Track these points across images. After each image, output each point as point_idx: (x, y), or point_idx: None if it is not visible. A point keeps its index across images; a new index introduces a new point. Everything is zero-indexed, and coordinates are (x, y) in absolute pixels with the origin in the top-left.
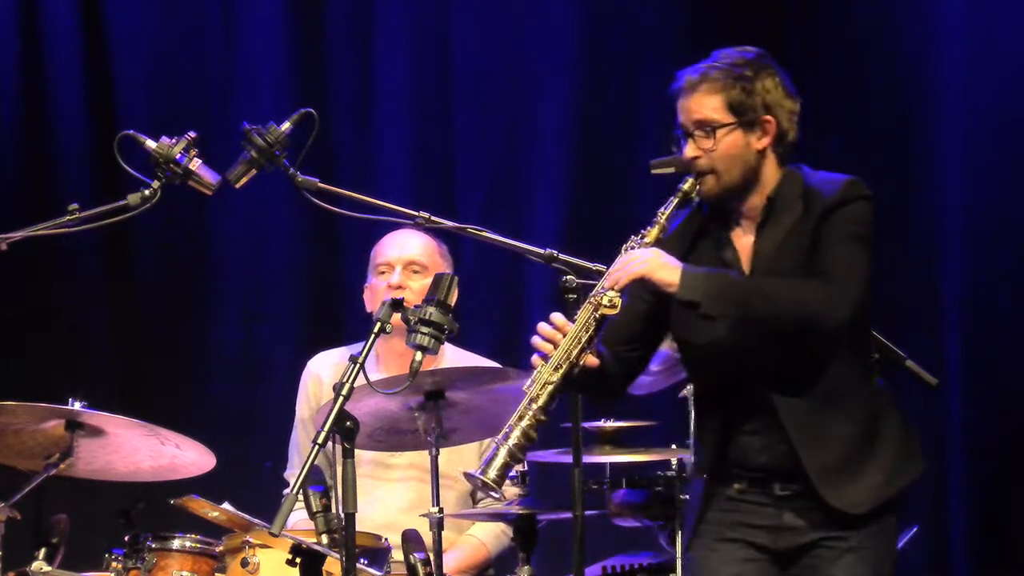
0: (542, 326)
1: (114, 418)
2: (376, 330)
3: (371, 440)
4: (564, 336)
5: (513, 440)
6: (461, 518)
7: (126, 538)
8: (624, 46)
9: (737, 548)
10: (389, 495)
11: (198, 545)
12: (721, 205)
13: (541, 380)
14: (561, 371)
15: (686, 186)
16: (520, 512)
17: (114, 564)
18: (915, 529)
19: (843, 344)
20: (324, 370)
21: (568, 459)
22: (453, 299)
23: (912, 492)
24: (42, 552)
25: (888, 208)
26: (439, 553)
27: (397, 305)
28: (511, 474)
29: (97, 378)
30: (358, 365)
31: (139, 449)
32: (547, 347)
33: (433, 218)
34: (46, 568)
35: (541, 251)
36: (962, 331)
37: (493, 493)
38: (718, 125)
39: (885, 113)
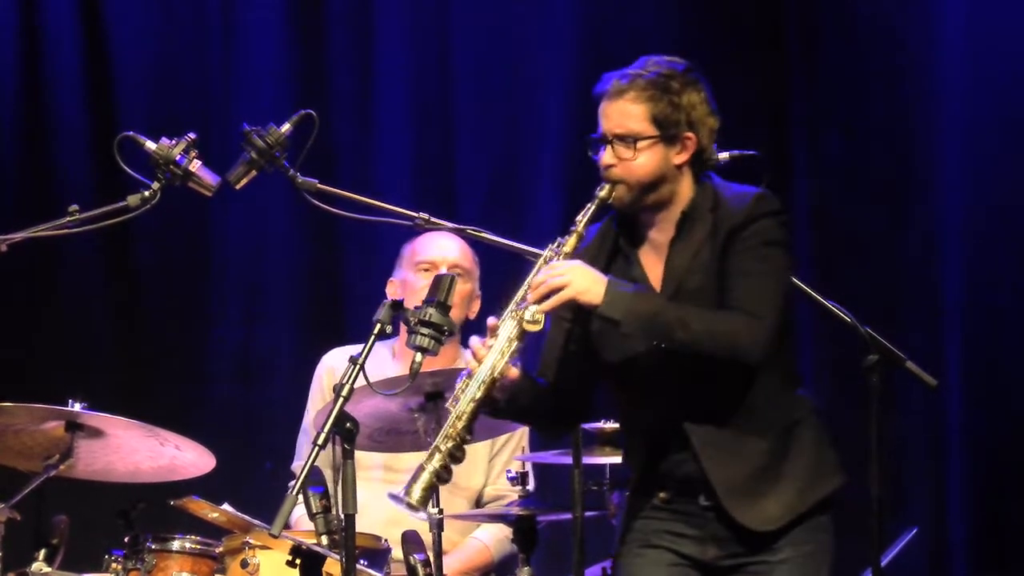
0: (474, 342)
1: (114, 419)
2: (376, 331)
3: (371, 441)
4: (487, 350)
5: (437, 462)
6: (460, 519)
7: (126, 539)
8: (624, 45)
9: (663, 553)
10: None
11: (198, 546)
12: (633, 215)
13: (465, 398)
14: (484, 387)
15: (602, 193)
16: (520, 513)
17: (114, 565)
18: (915, 531)
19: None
20: (339, 364)
21: (568, 460)
22: (460, 301)
23: (907, 498)
24: (42, 553)
25: (888, 208)
26: (439, 554)
27: (397, 306)
28: (510, 475)
29: (97, 379)
30: (358, 366)
31: (139, 450)
32: (474, 364)
33: (432, 219)
34: (46, 569)
35: (540, 252)
36: (962, 332)
37: (419, 514)
38: (640, 137)
39: (885, 112)
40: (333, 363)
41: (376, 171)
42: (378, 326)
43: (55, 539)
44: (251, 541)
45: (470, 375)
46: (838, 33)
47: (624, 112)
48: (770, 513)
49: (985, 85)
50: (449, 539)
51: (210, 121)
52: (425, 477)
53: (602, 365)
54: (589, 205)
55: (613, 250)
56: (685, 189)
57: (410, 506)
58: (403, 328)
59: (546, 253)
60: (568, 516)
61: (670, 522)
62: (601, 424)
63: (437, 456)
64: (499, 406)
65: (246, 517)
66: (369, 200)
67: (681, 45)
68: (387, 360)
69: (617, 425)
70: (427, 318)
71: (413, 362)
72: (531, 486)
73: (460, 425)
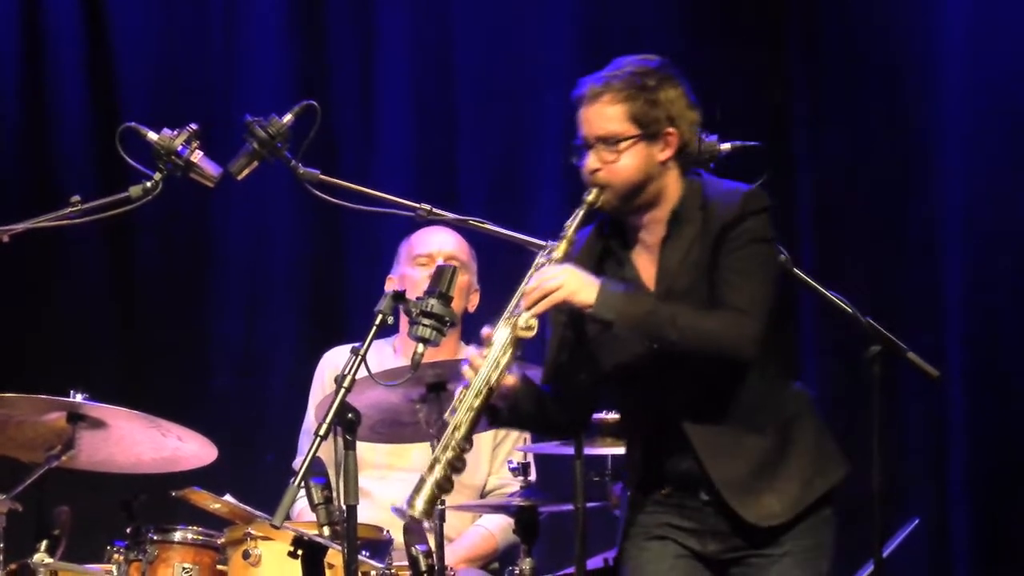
0: (470, 352)
1: (116, 410)
2: (378, 322)
3: (372, 432)
4: (483, 360)
5: (439, 473)
6: (462, 510)
7: (128, 530)
8: (625, 38)
9: (668, 545)
10: (404, 478)
11: (200, 537)
12: (623, 218)
13: (463, 408)
14: (481, 396)
15: (590, 197)
16: (522, 504)
17: (116, 556)
18: (916, 522)
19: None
20: (341, 362)
21: (570, 451)
22: (458, 292)
23: (908, 488)
24: (44, 544)
25: (889, 203)
26: (441, 545)
27: (399, 297)
28: (512, 466)
29: (99, 370)
30: (359, 357)
31: (141, 441)
32: (470, 374)
33: (435, 210)
34: (48, 560)
35: (543, 243)
36: (963, 325)
37: (424, 524)
38: (621, 138)
39: (886, 108)
40: (335, 360)
41: (378, 163)
42: (380, 317)
43: (57, 530)
44: (253, 532)
45: (467, 386)
46: (838, 31)
47: (603, 115)
48: (773, 509)
49: (985, 81)
50: (454, 527)
51: (212, 112)
52: (427, 489)
53: (601, 368)
54: (578, 211)
55: (604, 253)
56: (672, 187)
57: (413, 519)
58: (404, 324)
59: (537, 260)
60: (570, 507)
61: (672, 515)
62: (603, 415)
63: (438, 467)
64: (500, 414)
65: (248, 508)
66: (371, 191)
67: (682, 43)
68: (389, 356)
69: (619, 416)
70: (429, 309)
71: (415, 352)
72: (533, 477)
73: (458, 435)
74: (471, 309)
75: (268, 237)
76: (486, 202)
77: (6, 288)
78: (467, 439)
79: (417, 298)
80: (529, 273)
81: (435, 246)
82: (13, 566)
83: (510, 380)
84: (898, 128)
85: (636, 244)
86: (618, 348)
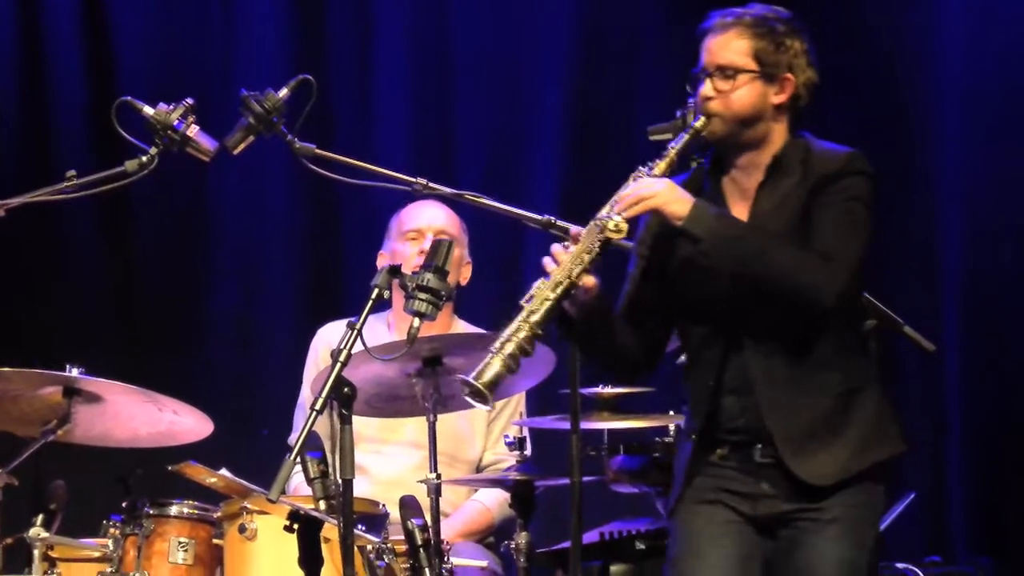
0: (554, 247)
1: (112, 384)
2: (374, 296)
3: (369, 407)
4: (567, 254)
5: (509, 349)
6: (459, 484)
7: (124, 504)
8: (623, 15)
9: (719, 510)
10: (399, 452)
11: (196, 511)
12: (725, 152)
13: (541, 296)
14: (561, 288)
15: (699, 123)
16: (518, 478)
17: (112, 530)
18: (912, 496)
19: (829, 319)
20: (335, 338)
21: (566, 425)
22: (451, 266)
23: (905, 463)
24: (40, 518)
25: (886, 173)
26: (437, 519)
27: (395, 271)
28: (508, 440)
29: (95, 344)
30: (355, 331)
31: (137, 415)
32: (552, 267)
33: (431, 184)
34: (44, 534)
35: (539, 217)
36: (961, 297)
37: (483, 405)
38: (741, 70)
39: (885, 78)
40: (329, 336)
41: (374, 137)
42: (376, 291)
43: (53, 504)
44: (249, 506)
45: (547, 279)
46: (838, 21)
47: (727, 45)
48: (824, 468)
49: (985, 53)
50: (450, 502)
51: (209, 86)
52: (496, 363)
53: (678, 303)
54: (683, 134)
55: (699, 191)
56: (778, 134)
57: (476, 393)
58: (397, 299)
59: (636, 172)
60: (566, 481)
61: (726, 479)
62: (599, 389)
63: (509, 345)
64: (572, 325)
65: (244, 482)
66: (367, 165)
67: (680, 17)
68: (383, 332)
69: (616, 390)
70: (425, 283)
71: (411, 326)
72: (528, 451)
73: (534, 319)
74: (463, 282)
75: (264, 211)
76: (482, 176)
77: (2, 263)
78: (541, 325)
79: (413, 272)
80: (626, 182)
81: (425, 221)
82: (9, 540)
83: (591, 281)
84: (898, 95)
85: (732, 186)
86: (699, 282)
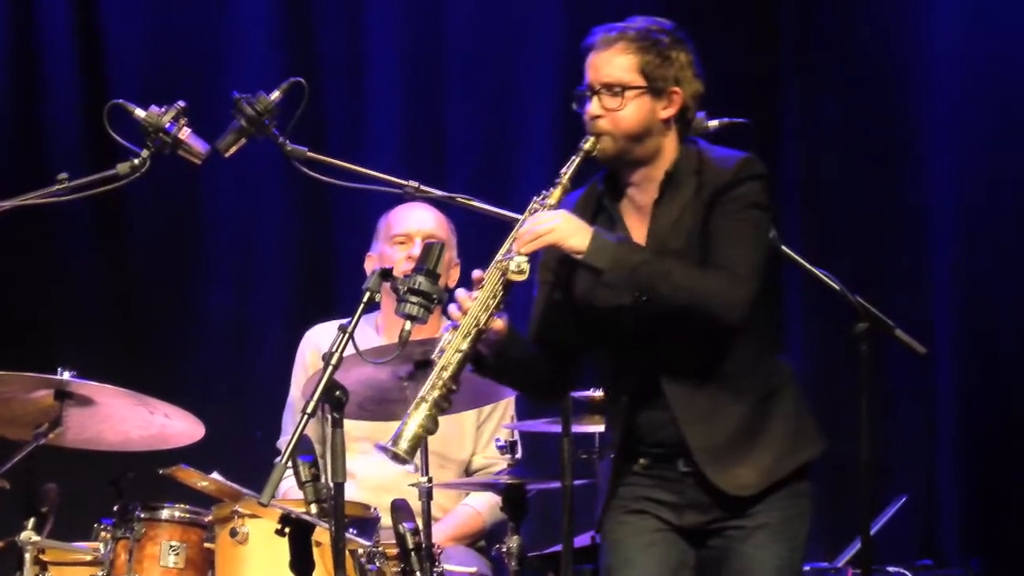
0: (460, 294)
1: (104, 388)
2: (365, 299)
3: (361, 410)
4: (472, 301)
5: (425, 411)
6: (449, 487)
7: (115, 508)
8: (613, 13)
9: (646, 519)
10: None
11: (187, 515)
12: (618, 171)
13: (452, 349)
14: (470, 338)
15: (587, 145)
16: (509, 481)
17: (103, 534)
18: (904, 498)
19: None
20: (323, 341)
21: (557, 428)
22: (443, 269)
23: (897, 465)
24: (31, 522)
25: (878, 175)
26: (428, 523)
27: (386, 274)
28: (499, 444)
29: (87, 347)
30: (347, 334)
31: (128, 419)
32: (459, 316)
33: (423, 187)
34: (35, 538)
35: None
36: (952, 299)
37: (406, 466)
38: (628, 86)
39: (876, 83)
40: (316, 339)
41: (366, 140)
42: (367, 294)
43: (44, 508)
44: (240, 510)
45: (455, 327)
46: (831, 10)
47: (612, 62)
48: (747, 479)
49: (977, 55)
50: (440, 506)
51: (201, 89)
52: (412, 427)
53: (586, 327)
54: (574, 157)
55: (596, 211)
56: (669, 148)
57: (396, 456)
58: (386, 302)
59: (531, 205)
60: (557, 484)
61: (650, 488)
62: (591, 392)
63: (424, 406)
64: (486, 362)
65: (235, 486)
66: (358, 168)
67: (672, 14)
68: (372, 335)
69: (601, 378)
70: (417, 286)
71: (402, 330)
72: (519, 454)
73: (446, 375)
74: (451, 284)
75: (256, 214)
76: (474, 174)
77: None
78: (454, 379)
79: (405, 276)
80: (523, 217)
81: (414, 225)
82: (0, 543)
83: (499, 324)
84: (889, 99)
85: (628, 204)
86: (606, 305)
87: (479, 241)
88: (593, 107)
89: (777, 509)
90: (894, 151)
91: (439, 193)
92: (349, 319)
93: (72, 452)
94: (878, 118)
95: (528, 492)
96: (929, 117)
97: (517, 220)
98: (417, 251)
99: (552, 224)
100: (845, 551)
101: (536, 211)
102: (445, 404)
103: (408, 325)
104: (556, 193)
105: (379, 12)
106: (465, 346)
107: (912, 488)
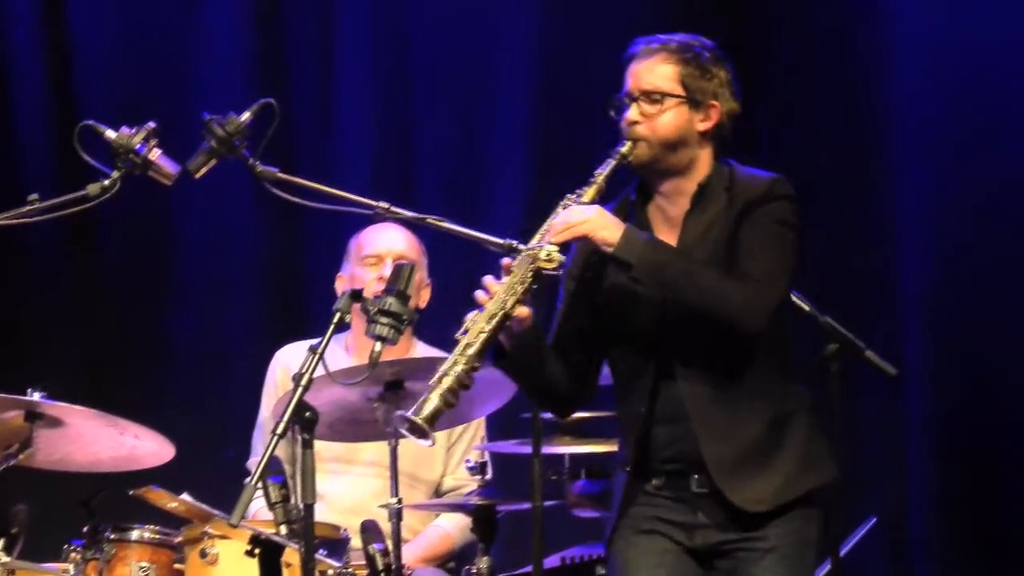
0: (487, 279)
1: (74, 409)
2: (336, 320)
3: (331, 431)
4: (500, 286)
5: (447, 384)
6: (419, 509)
7: (85, 529)
8: (581, 38)
9: (656, 539)
10: (359, 480)
11: (157, 536)
12: (650, 179)
13: (476, 329)
14: (495, 320)
15: (624, 148)
16: (479, 502)
17: (73, 555)
18: (874, 520)
19: (758, 344)
20: (293, 361)
21: (527, 449)
22: (413, 290)
23: (867, 487)
24: (1, 543)
25: (846, 195)
26: (398, 544)
27: (357, 296)
28: (469, 465)
29: (57, 368)
30: (317, 355)
31: (99, 440)
32: (485, 299)
33: (393, 208)
34: (5, 559)
35: (500, 241)
36: (922, 320)
37: (422, 441)
38: (667, 95)
39: (842, 99)
40: (287, 359)
41: (337, 160)
42: (338, 315)
43: (14, 529)
44: (210, 531)
45: (481, 311)
46: (796, 27)
47: (653, 70)
48: (759, 494)
49: (942, 72)
50: (410, 528)
51: (171, 110)
52: (434, 399)
53: (607, 333)
54: (609, 159)
55: (627, 219)
56: (703, 161)
57: (414, 428)
58: (356, 323)
59: (564, 200)
60: (527, 506)
61: (662, 509)
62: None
63: (447, 379)
64: (505, 356)
65: (205, 507)
66: (329, 189)
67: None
68: (341, 355)
69: (577, 415)
70: (387, 307)
71: (372, 351)
72: (490, 475)
73: (471, 351)
74: (422, 305)
75: (227, 235)
76: (443, 199)
77: None
78: (479, 357)
79: (375, 297)
80: (555, 211)
81: (384, 246)
82: None
83: (524, 311)
84: (856, 117)
85: (658, 215)
86: (628, 310)
87: (449, 262)
88: (632, 113)
89: (788, 533)
90: (862, 170)
91: (409, 214)
92: (319, 340)
93: (42, 473)
94: (845, 137)
95: (498, 513)
96: (898, 134)
97: (487, 241)
98: (387, 272)
99: (586, 216)
100: (815, 572)
101: (569, 206)
102: (467, 381)
103: (378, 346)
104: (590, 191)
105: (350, 34)
106: (489, 328)
107: (882, 510)
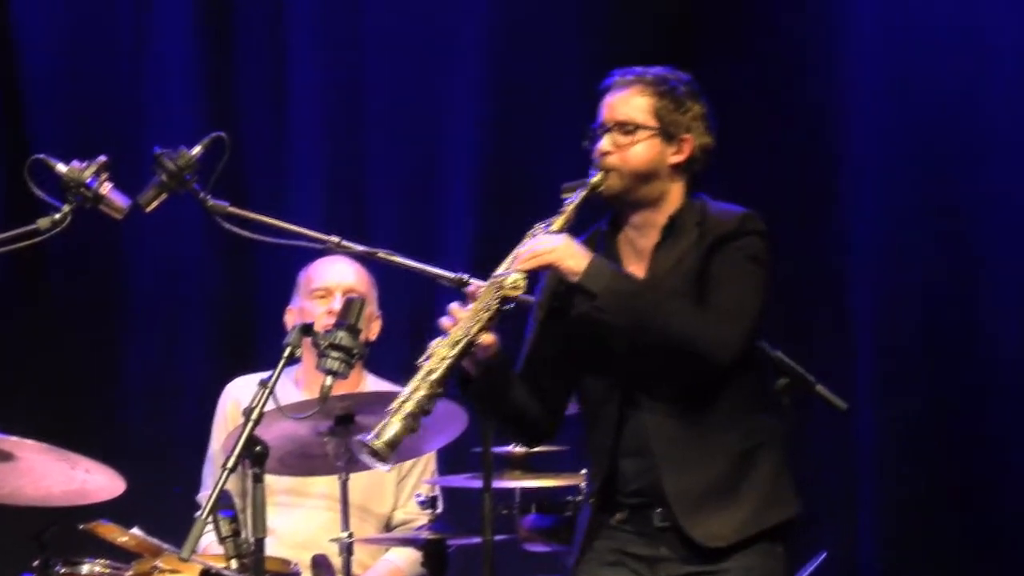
0: (452, 306)
1: (24, 442)
2: (286, 354)
3: (282, 465)
4: (465, 312)
5: (408, 409)
6: (370, 543)
7: (35, 563)
8: (536, 68)
9: (620, 572)
10: (310, 514)
11: (107, 570)
12: (620, 210)
13: (439, 355)
14: (459, 346)
15: (595, 179)
16: (430, 537)
17: None
18: (823, 556)
19: (727, 377)
20: (243, 394)
21: (478, 484)
22: (364, 324)
23: (817, 522)
24: None
25: (797, 225)
26: None
27: (307, 330)
28: (420, 499)
29: (7, 402)
30: (268, 389)
31: (50, 474)
32: (448, 325)
33: (344, 242)
34: None
35: (451, 275)
36: (873, 353)
37: (381, 465)
38: (640, 126)
39: (795, 126)
40: (237, 393)
41: (288, 194)
42: (288, 349)
43: None
44: (160, 565)
45: (444, 337)
46: (750, 63)
47: (628, 102)
48: (720, 530)
49: (896, 93)
50: (360, 562)
51: (122, 144)
52: (396, 423)
53: (575, 363)
54: (580, 190)
55: (596, 251)
56: (675, 195)
57: (373, 454)
58: (306, 356)
59: (533, 230)
60: (478, 540)
61: (625, 542)
62: (511, 448)
63: (408, 405)
64: (472, 384)
65: (156, 541)
66: (280, 223)
67: (593, 69)
68: (291, 389)
69: (527, 449)
70: (337, 341)
71: (323, 385)
72: (440, 510)
73: (433, 378)
74: (372, 338)
75: (178, 268)
76: (395, 229)
77: None
78: (442, 383)
79: (326, 330)
80: (523, 240)
81: (334, 279)
82: None
83: (489, 339)
84: (809, 158)
85: (628, 247)
86: (596, 341)
87: (400, 295)
88: (604, 143)
89: (751, 567)
90: (813, 201)
91: (360, 248)
92: (270, 374)
93: None
94: (799, 173)
95: (449, 547)
96: (850, 171)
97: (438, 275)
98: (337, 305)
99: (553, 244)
100: None
101: (537, 234)
102: (428, 407)
103: (329, 380)
104: (559, 221)
105: (300, 67)
106: (453, 354)
107: (832, 545)
